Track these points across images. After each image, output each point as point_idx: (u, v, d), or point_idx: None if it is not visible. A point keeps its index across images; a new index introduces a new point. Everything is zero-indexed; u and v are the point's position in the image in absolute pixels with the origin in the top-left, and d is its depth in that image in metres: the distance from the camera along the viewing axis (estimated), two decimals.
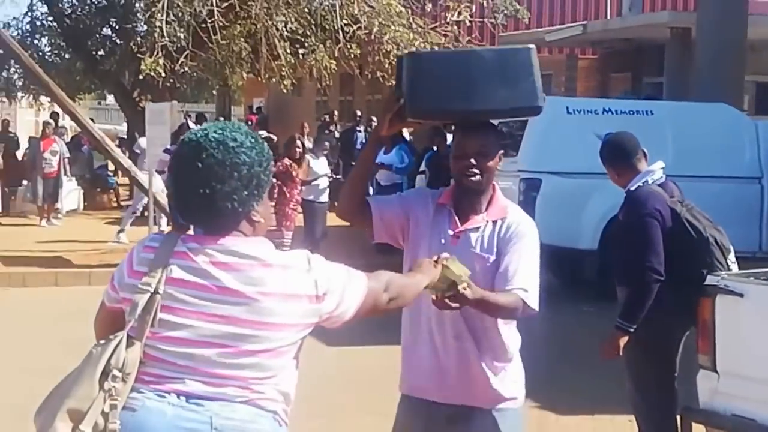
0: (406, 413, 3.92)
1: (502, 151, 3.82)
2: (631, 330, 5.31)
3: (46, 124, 19.92)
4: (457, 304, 3.43)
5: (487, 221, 3.75)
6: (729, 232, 5.69)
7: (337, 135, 20.48)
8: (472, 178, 3.72)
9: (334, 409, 7.88)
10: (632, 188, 5.57)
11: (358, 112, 21.76)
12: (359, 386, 8.51)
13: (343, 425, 7.49)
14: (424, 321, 3.79)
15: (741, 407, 5.02)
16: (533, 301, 3.64)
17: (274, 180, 13.22)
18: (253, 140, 2.81)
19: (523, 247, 3.69)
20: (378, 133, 3.80)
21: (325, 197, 14.01)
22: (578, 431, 7.36)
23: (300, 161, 13.45)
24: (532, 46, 3.80)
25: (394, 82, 14.86)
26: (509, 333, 3.81)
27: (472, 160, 3.71)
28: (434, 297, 3.45)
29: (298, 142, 13.75)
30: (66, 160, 19.04)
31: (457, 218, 3.78)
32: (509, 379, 3.82)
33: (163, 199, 14.92)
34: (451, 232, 3.75)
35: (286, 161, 13.38)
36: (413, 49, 17.28)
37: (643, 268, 5.30)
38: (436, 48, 16.87)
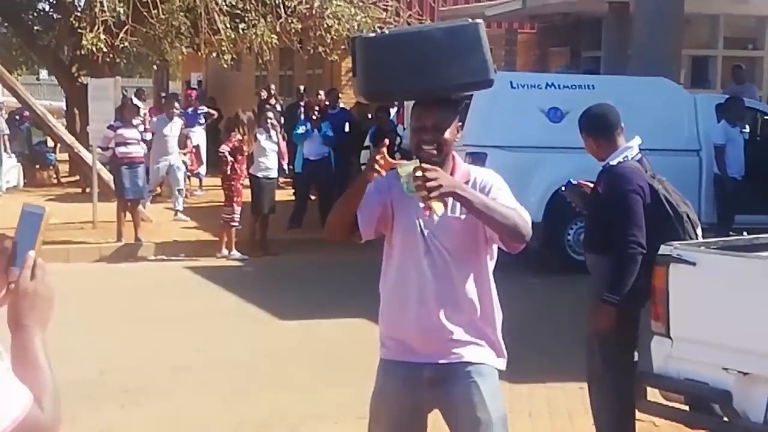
0: (386, 378, 4.00)
1: (460, 123, 3.95)
2: (617, 301, 5.48)
3: None
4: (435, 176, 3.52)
5: None
6: None
7: (278, 109, 20.44)
8: (430, 150, 3.81)
9: (294, 380, 8.00)
10: (612, 163, 5.72)
11: (301, 87, 21.75)
12: (318, 359, 8.63)
13: (304, 397, 7.60)
14: (410, 285, 3.89)
15: (694, 371, 5.22)
16: (528, 220, 3.74)
17: (227, 156, 13.29)
18: None
19: (498, 190, 3.83)
20: (365, 176, 3.78)
21: (273, 173, 14.05)
22: (531, 399, 7.52)
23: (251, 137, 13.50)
24: (479, 20, 3.89)
25: (336, 57, 14.81)
26: (486, 296, 3.98)
27: (429, 134, 3.82)
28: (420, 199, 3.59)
29: (243, 117, 13.72)
30: (5, 136, 18.83)
31: None
32: (488, 339, 3.98)
33: (107, 175, 14.89)
34: (422, 205, 3.80)
35: (238, 137, 13.41)
36: (355, 23, 17.39)
37: (628, 241, 5.48)
38: (378, 23, 16.97)
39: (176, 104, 17.07)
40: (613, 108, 5.94)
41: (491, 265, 4.00)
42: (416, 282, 3.88)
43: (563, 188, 6.21)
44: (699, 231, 5.67)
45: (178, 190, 16.38)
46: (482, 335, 3.95)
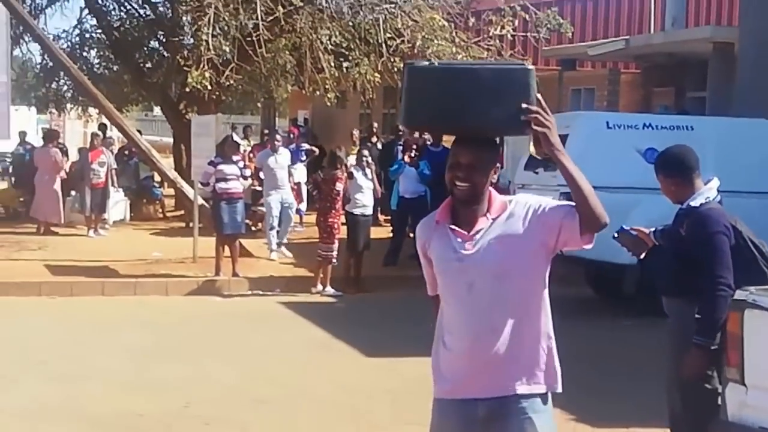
0: (440, 417, 3.98)
1: (498, 165, 3.92)
2: (712, 345, 5.41)
3: (94, 135, 20.22)
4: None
5: (492, 219, 3.85)
6: None
7: (379, 147, 20.61)
8: (461, 188, 3.83)
9: (374, 416, 8.02)
10: (694, 204, 5.67)
11: (375, 125, 21.92)
12: (397, 396, 8.62)
13: None
14: (454, 319, 3.90)
15: None
16: None
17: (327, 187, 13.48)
18: None
19: (542, 200, 3.83)
20: None
21: (368, 210, 14.16)
22: None
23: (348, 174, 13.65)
24: (531, 66, 3.81)
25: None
26: (536, 323, 3.89)
27: (462, 172, 3.82)
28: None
29: (340, 155, 13.90)
30: (113, 171, 19.31)
31: (458, 228, 3.87)
32: (541, 367, 3.88)
33: (208, 210, 15.16)
34: (460, 240, 3.85)
35: (336, 174, 13.57)
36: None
37: (718, 283, 5.43)
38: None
39: (278, 137, 17.19)
40: (691, 149, 5.89)
41: (543, 288, 3.89)
42: (466, 313, 3.87)
43: (615, 234, 6.12)
44: None
45: (290, 226, 16.51)
46: (534, 364, 3.87)
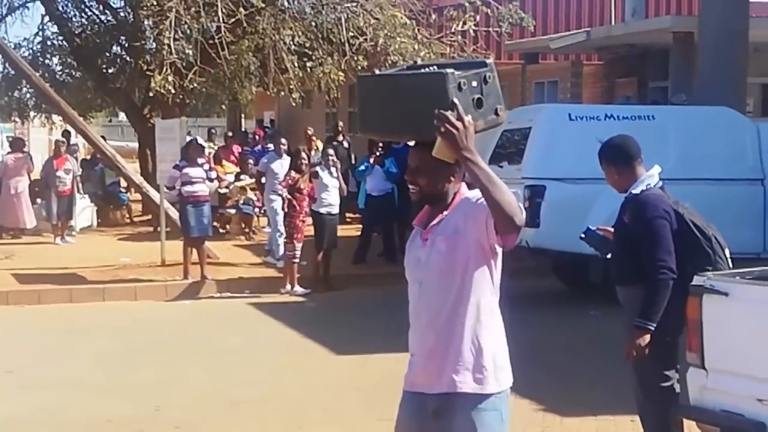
0: (402, 408, 4.08)
1: (455, 168, 3.92)
2: (652, 327, 5.49)
3: (58, 142, 20.13)
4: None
5: (445, 215, 3.93)
6: (733, 234, 5.91)
7: (346, 145, 20.60)
8: (411, 190, 3.98)
9: (347, 414, 8.06)
10: (635, 191, 5.75)
11: (340, 124, 21.95)
12: (368, 393, 8.67)
13: (356, 430, 7.66)
14: (413, 313, 4.01)
15: (730, 403, 5.17)
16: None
17: (284, 193, 13.46)
18: None
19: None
20: None
21: (335, 210, 14.17)
22: (581, 431, 7.48)
23: (305, 174, 13.60)
24: (448, 71, 3.80)
25: None
26: (479, 322, 3.91)
27: (411, 175, 3.96)
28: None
29: (303, 155, 13.93)
30: (78, 177, 19.25)
31: (423, 228, 4.02)
32: (485, 365, 3.90)
33: (174, 214, 15.14)
34: (420, 240, 4.01)
35: (294, 174, 13.57)
36: (418, 59, 17.48)
37: (658, 267, 5.53)
38: (440, 58, 17.05)
39: (283, 140, 16.67)
40: (633, 138, 6.00)
41: (488, 286, 3.91)
42: (415, 309, 3.99)
43: (582, 235, 6.20)
44: (727, 252, 5.66)
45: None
46: (478, 363, 3.89)
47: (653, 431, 5.81)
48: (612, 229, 6.05)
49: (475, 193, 3.87)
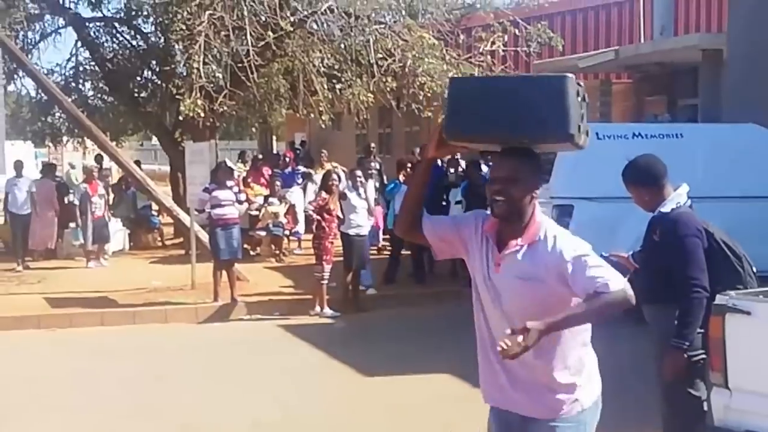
0: (491, 421, 4.09)
1: (541, 181, 3.86)
2: (687, 347, 5.49)
3: (89, 168, 20.29)
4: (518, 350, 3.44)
5: (522, 245, 3.78)
6: (761, 251, 5.82)
7: (377, 167, 20.62)
8: (496, 205, 3.76)
9: None
10: (664, 210, 5.74)
11: (372, 145, 21.99)
12: (398, 414, 8.65)
13: None
14: (484, 335, 3.95)
15: (754, 423, 5.13)
16: (621, 285, 3.57)
17: (314, 214, 13.52)
18: None
19: (574, 252, 3.71)
20: (425, 154, 3.98)
21: (363, 231, 14.18)
22: None
23: (334, 194, 13.66)
24: (570, 75, 3.76)
25: (429, 113, 14.95)
26: (569, 349, 3.86)
27: (499, 187, 3.75)
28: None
29: (333, 176, 13.99)
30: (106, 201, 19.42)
31: (496, 246, 3.84)
32: (567, 391, 3.87)
33: (204, 237, 15.21)
34: (493, 260, 3.84)
35: (324, 195, 13.62)
36: (447, 80, 17.53)
37: (692, 285, 5.51)
38: None
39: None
40: (657, 158, 5.97)
41: (569, 305, 3.76)
42: (488, 333, 3.90)
43: None
44: (754, 269, 5.67)
45: None
46: (566, 384, 3.86)
47: None
48: (625, 255, 6.05)
49: (556, 234, 3.77)
